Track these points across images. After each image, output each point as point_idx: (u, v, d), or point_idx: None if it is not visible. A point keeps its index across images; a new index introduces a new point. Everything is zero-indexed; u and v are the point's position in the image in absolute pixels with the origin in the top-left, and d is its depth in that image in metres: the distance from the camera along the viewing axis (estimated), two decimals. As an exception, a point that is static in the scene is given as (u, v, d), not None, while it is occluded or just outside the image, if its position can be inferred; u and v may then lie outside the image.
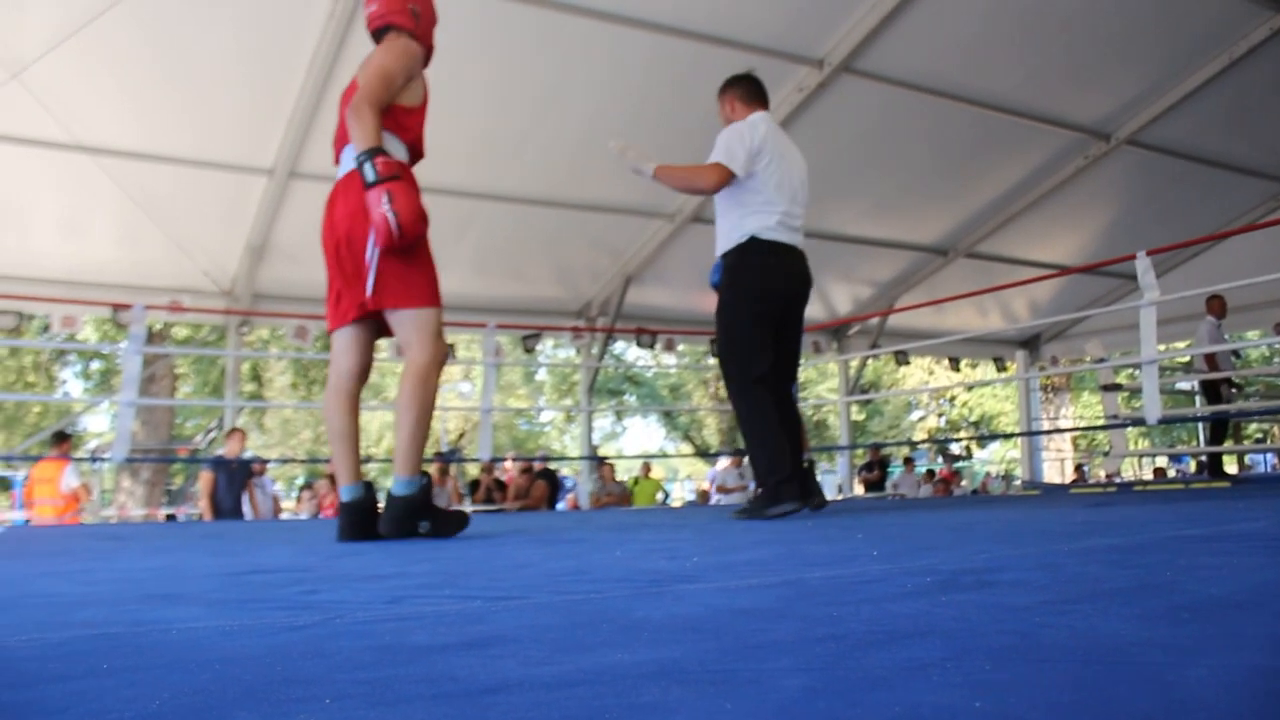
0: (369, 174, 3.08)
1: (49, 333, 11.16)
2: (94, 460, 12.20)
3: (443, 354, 3.21)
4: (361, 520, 3.18)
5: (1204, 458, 12.47)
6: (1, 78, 6.80)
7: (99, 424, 25.52)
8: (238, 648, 1.04)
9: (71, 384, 23.44)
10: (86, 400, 21.37)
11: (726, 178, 4.25)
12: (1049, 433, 18.13)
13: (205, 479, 9.13)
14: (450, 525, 3.20)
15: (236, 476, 9.23)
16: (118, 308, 8.40)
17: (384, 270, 3.14)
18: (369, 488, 3.26)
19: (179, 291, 9.05)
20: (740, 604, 1.30)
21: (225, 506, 9.04)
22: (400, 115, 3.36)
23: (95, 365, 22.46)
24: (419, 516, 3.13)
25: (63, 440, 9.45)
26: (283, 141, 7.82)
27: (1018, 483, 16.46)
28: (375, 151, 3.12)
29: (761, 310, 4.23)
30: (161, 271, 8.92)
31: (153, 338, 14.52)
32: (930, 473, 16.54)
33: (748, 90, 4.63)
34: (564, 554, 2.36)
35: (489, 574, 1.90)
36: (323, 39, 6.92)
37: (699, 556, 2.14)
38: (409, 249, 3.15)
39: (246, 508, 9.63)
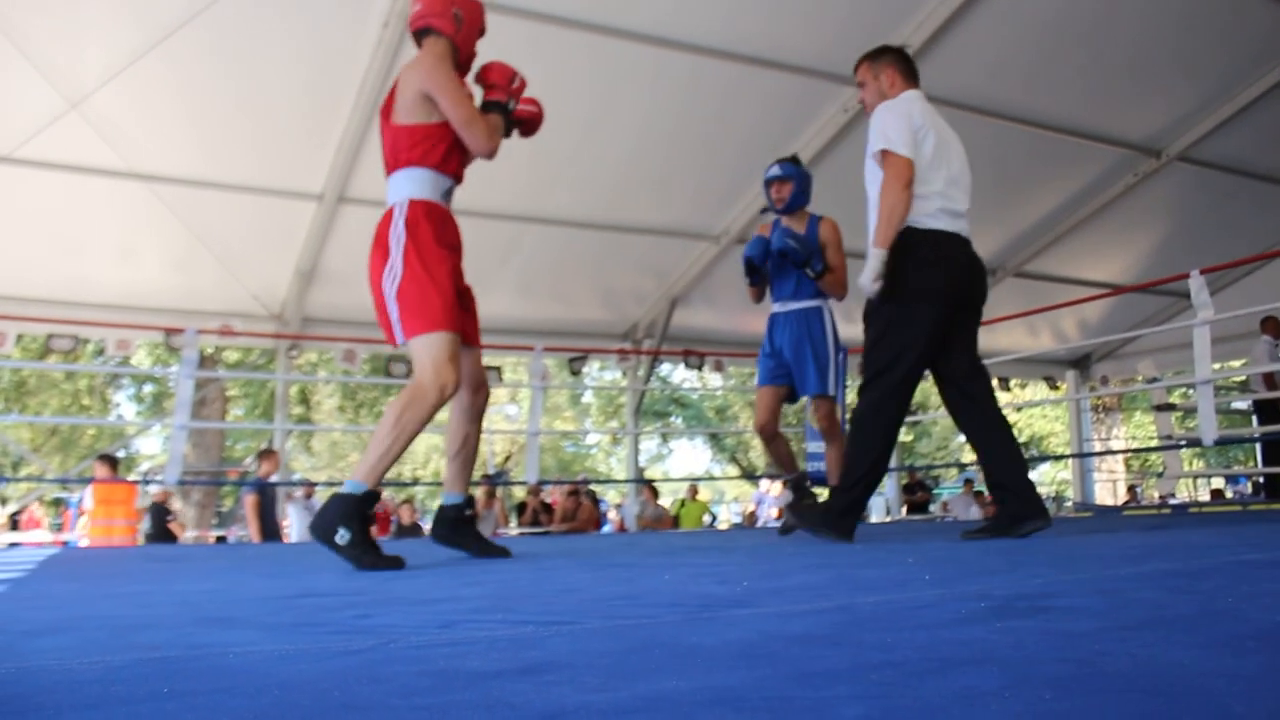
0: None
1: (103, 356, 11.36)
2: (147, 483, 12.36)
3: (447, 382, 3.05)
4: (458, 527, 3.36)
5: (1261, 479, 12.23)
6: (61, 108, 6.96)
7: (151, 446, 25.89)
8: (294, 672, 1.05)
9: (125, 407, 23.82)
10: (139, 423, 21.68)
11: (911, 171, 3.79)
12: (1101, 454, 17.87)
13: (251, 501, 9.22)
14: (367, 556, 2.90)
15: (277, 497, 9.34)
16: (170, 332, 8.54)
17: (399, 304, 3.15)
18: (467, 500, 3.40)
19: (230, 316, 9.16)
20: (793, 630, 1.30)
21: (269, 529, 9.14)
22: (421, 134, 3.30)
23: (148, 389, 22.81)
24: (340, 524, 2.87)
25: (112, 464, 9.59)
26: (332, 167, 7.92)
27: (1069, 504, 16.22)
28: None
29: (925, 310, 3.83)
30: (212, 296, 9.05)
31: (204, 361, 14.72)
32: (980, 493, 16.35)
33: (906, 65, 4.14)
34: (613, 578, 2.35)
35: (540, 598, 1.90)
36: (371, 65, 7.01)
37: (749, 581, 2.13)
38: (425, 274, 3.14)
39: (294, 527, 9.73)
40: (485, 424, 3.46)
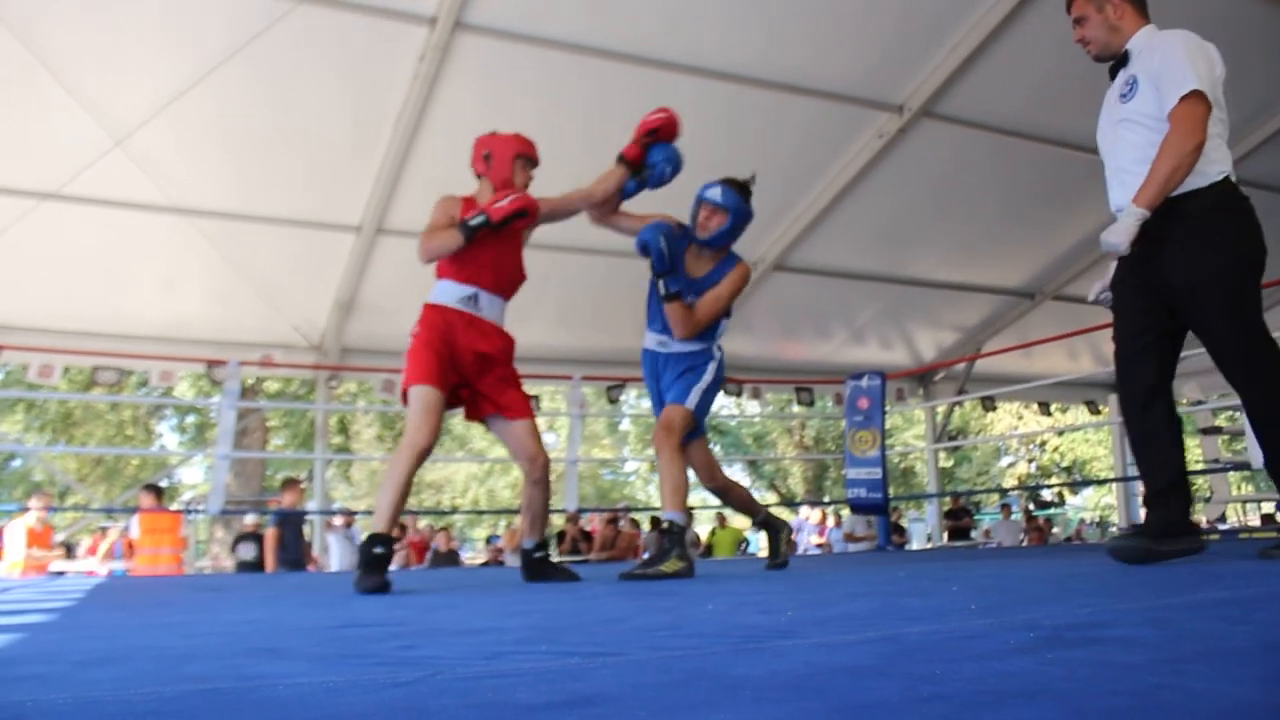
0: None
1: (147, 388, 11.50)
2: (189, 512, 12.49)
3: (415, 438, 3.54)
4: (530, 565, 3.93)
5: (1312, 503, 12.00)
6: (105, 145, 7.09)
7: (193, 476, 26.15)
8: (344, 705, 1.05)
9: (167, 437, 24.08)
10: (182, 453, 21.92)
11: (1205, 113, 3.11)
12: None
13: (271, 534, 9.26)
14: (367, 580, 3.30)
15: (300, 528, 9.38)
16: (212, 363, 8.64)
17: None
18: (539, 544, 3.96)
19: (270, 347, 9.26)
20: (840, 661, 1.28)
21: (291, 558, 9.16)
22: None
23: (190, 419, 23.06)
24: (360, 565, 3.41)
25: (158, 493, 9.69)
26: (369, 199, 8.00)
27: (1114, 530, 16.00)
28: None
29: (1260, 271, 3.20)
30: (253, 327, 9.15)
31: (245, 392, 14.88)
32: (1031, 519, 16.19)
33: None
34: (656, 607, 2.35)
35: (583, 629, 1.90)
36: (408, 99, 7.09)
37: (793, 611, 2.12)
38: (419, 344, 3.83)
39: (334, 556, 9.78)
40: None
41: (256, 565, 9.38)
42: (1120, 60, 3.39)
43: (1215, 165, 3.16)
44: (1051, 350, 11.87)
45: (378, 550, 3.38)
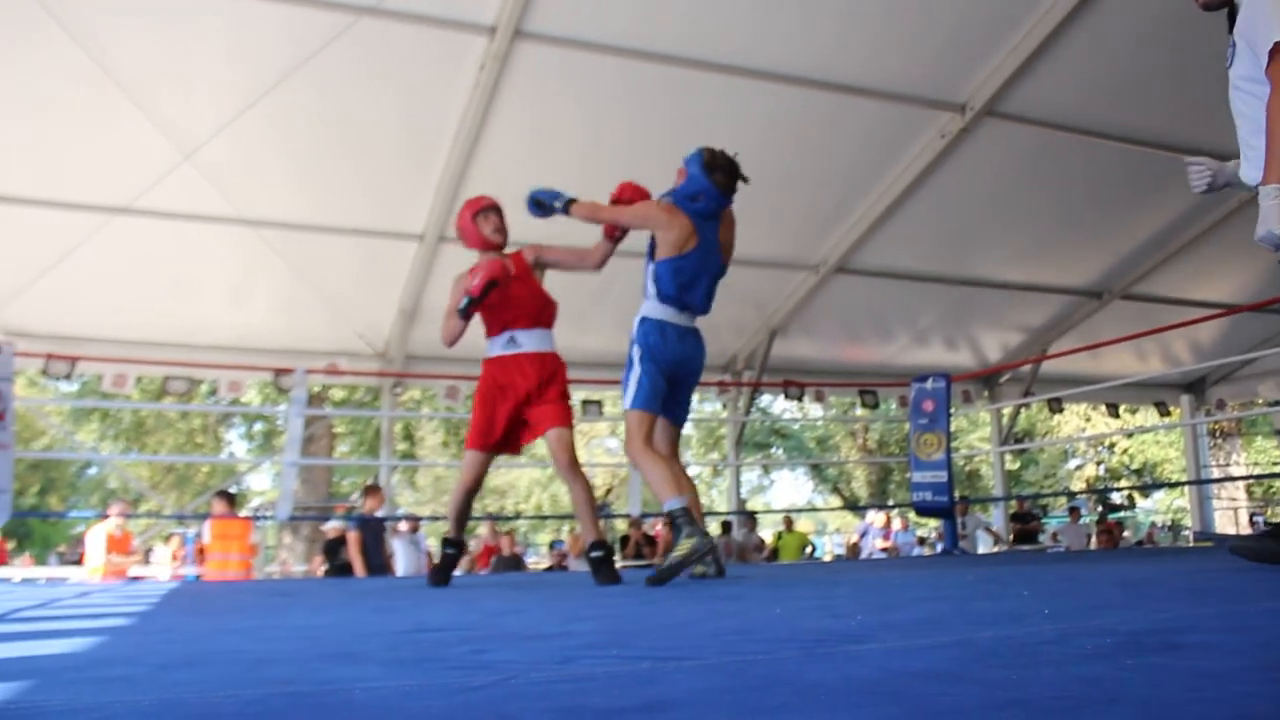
0: None
1: (216, 396, 11.72)
2: (259, 518, 12.70)
3: (464, 479, 4.43)
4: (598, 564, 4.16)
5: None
6: (174, 159, 7.24)
7: (261, 483, 26.58)
8: (421, 708, 1.06)
9: (236, 444, 24.51)
10: (251, 460, 22.28)
11: None
12: (1219, 481, 17.24)
13: (354, 538, 9.36)
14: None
15: (381, 533, 9.46)
16: (279, 372, 8.78)
17: None
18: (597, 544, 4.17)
19: (335, 355, 9.39)
20: (914, 666, 1.28)
21: (374, 563, 9.25)
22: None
23: (258, 427, 23.44)
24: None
25: (230, 499, 9.86)
26: (432, 207, 8.08)
27: (1187, 534, 15.67)
28: None
29: None
30: (319, 336, 9.28)
31: (311, 399, 15.09)
32: (1101, 522, 15.91)
33: None
34: (723, 612, 2.34)
35: (652, 633, 1.90)
36: (468, 108, 7.15)
37: (862, 615, 2.10)
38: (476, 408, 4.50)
39: (400, 562, 9.87)
40: (586, 456, 4.04)
41: (345, 570, 9.52)
42: (1230, 15, 3.11)
43: None
44: (1120, 351, 11.66)
45: (448, 551, 4.45)
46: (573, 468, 4.22)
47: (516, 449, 4.52)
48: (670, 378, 4.29)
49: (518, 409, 4.31)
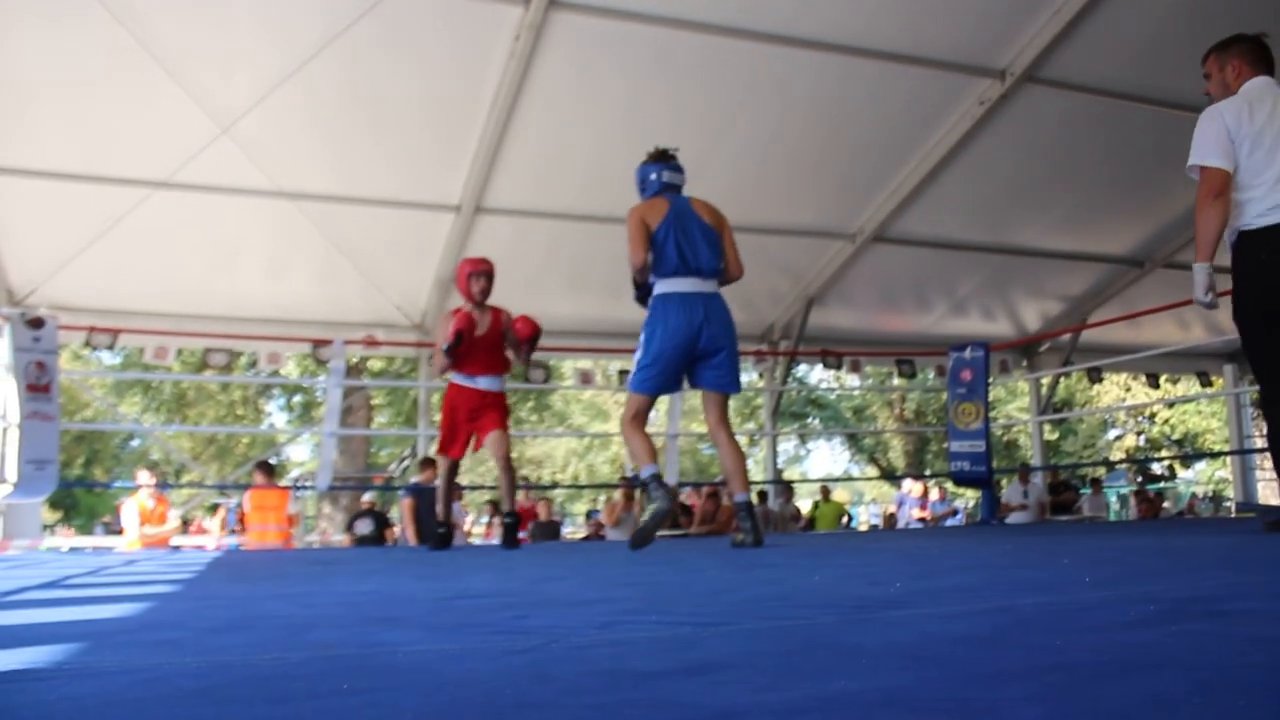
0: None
1: (255, 368, 11.85)
2: (299, 489, 12.84)
3: (443, 464, 5.94)
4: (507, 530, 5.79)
5: None
6: (212, 133, 7.28)
7: (300, 454, 26.85)
8: (464, 671, 1.07)
9: (275, 416, 24.76)
10: (290, 431, 22.52)
11: (1221, 181, 3.64)
12: (1262, 451, 17.00)
13: (408, 505, 9.44)
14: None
15: (434, 503, 9.52)
16: (318, 344, 8.84)
17: None
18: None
19: (373, 326, 9.44)
20: (956, 631, 1.27)
21: (427, 531, 9.33)
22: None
23: (297, 398, 23.67)
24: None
25: (269, 470, 9.96)
26: (468, 178, 8.09)
27: (1229, 505, 15.51)
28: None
29: (1261, 312, 3.67)
30: (356, 307, 9.34)
31: (349, 371, 15.20)
32: (1141, 492, 15.77)
33: (1253, 53, 3.84)
34: (762, 579, 2.34)
35: (691, 599, 1.90)
36: (504, 78, 7.14)
37: (901, 582, 2.10)
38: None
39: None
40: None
41: (375, 540, 9.61)
42: None
43: None
44: (1161, 320, 11.49)
45: (440, 530, 5.91)
46: (507, 459, 5.60)
47: (474, 449, 5.85)
48: (686, 347, 4.35)
49: (468, 422, 5.64)
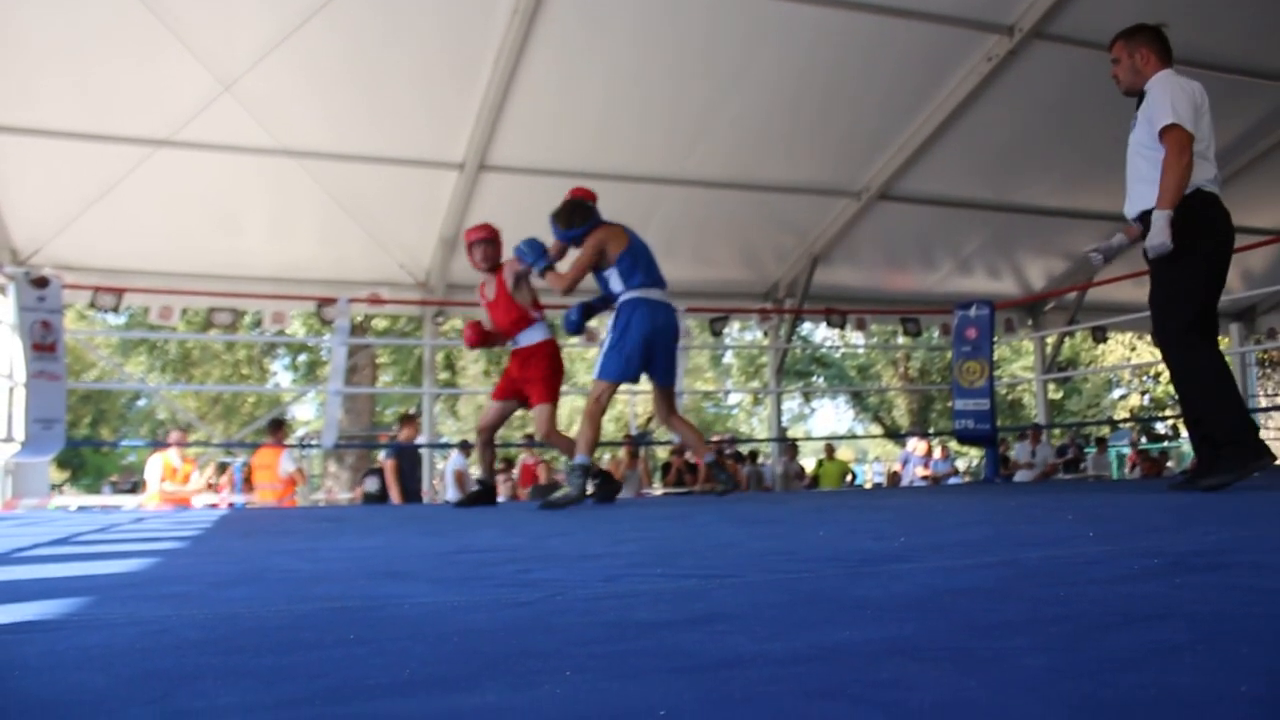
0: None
1: (260, 327, 11.86)
2: (304, 447, 12.90)
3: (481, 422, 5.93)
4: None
5: None
6: (215, 91, 7.24)
7: (306, 412, 26.93)
8: (470, 622, 1.08)
9: (281, 375, 24.80)
10: (295, 390, 22.55)
11: (1185, 140, 3.90)
12: (1267, 410, 17.03)
13: (390, 466, 9.52)
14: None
15: (418, 461, 9.60)
16: (323, 302, 8.83)
17: None
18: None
19: (377, 285, 9.42)
20: (959, 584, 1.27)
21: (409, 489, 9.43)
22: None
23: (302, 357, 23.69)
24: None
25: (278, 429, 10.01)
26: (472, 136, 8.04)
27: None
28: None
29: (1217, 265, 3.98)
30: (360, 266, 9.32)
31: (354, 329, 15.19)
32: (1144, 452, 15.79)
33: (1163, 46, 4.17)
34: (766, 534, 2.35)
35: (696, 553, 1.91)
36: (508, 34, 7.08)
37: (905, 537, 2.11)
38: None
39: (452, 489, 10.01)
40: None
41: (381, 497, 9.68)
42: (1139, 99, 4.19)
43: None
44: (1167, 278, 11.44)
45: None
46: (549, 436, 5.55)
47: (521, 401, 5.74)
48: (649, 345, 5.03)
49: (512, 383, 5.67)
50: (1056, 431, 15.00)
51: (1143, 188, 4.07)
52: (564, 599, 1.24)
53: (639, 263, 5.19)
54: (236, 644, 0.96)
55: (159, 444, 9.34)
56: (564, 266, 5.30)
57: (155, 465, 9.18)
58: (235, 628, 1.08)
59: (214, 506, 9.77)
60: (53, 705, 0.72)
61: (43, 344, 6.65)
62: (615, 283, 5.19)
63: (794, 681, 0.73)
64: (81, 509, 11.06)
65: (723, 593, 1.26)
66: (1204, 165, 3.93)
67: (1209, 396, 3.86)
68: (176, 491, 9.05)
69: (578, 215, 5.32)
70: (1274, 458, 3.76)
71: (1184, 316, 3.91)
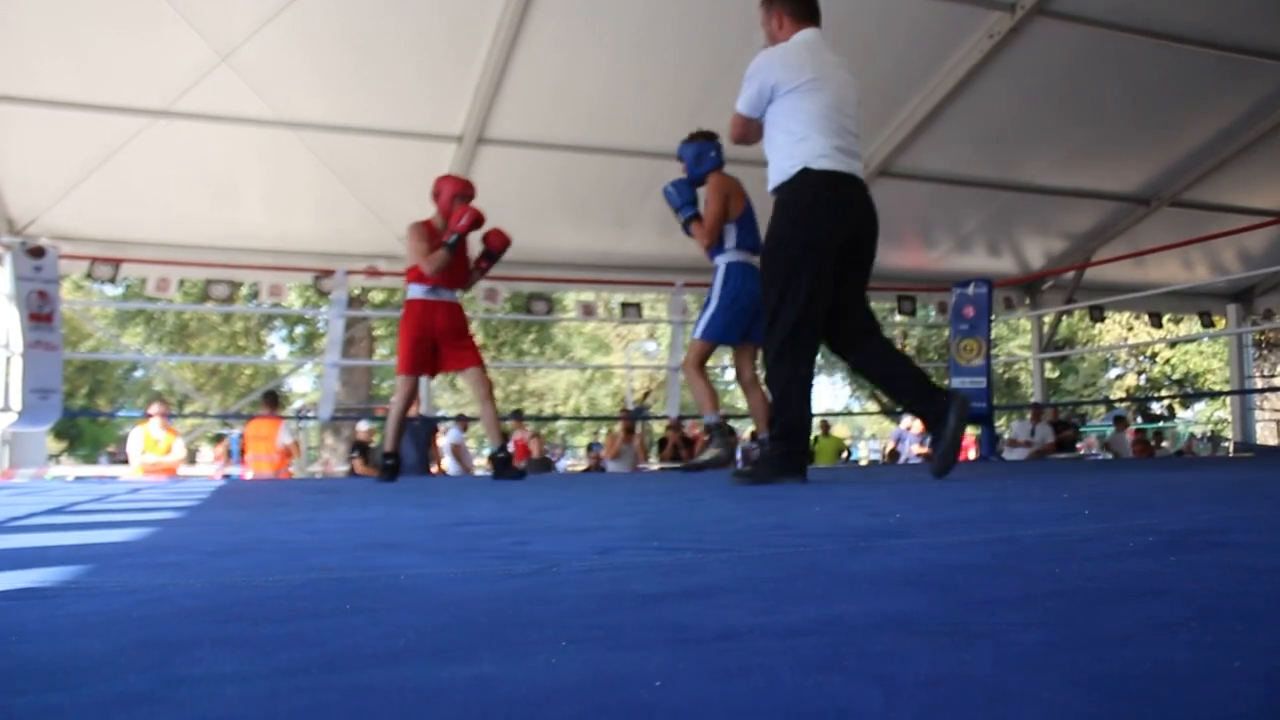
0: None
1: (257, 299, 11.85)
2: (301, 419, 12.91)
3: (402, 399, 5.48)
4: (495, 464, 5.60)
5: None
6: (212, 61, 7.20)
7: (302, 385, 26.95)
8: (466, 593, 1.08)
9: (278, 348, 24.80)
10: (292, 362, 22.56)
11: (743, 125, 4.00)
12: (1263, 391, 17.07)
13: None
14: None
15: (419, 434, 9.55)
16: (320, 274, 8.82)
17: None
18: None
19: (374, 257, 9.41)
20: (955, 560, 1.28)
21: (409, 462, 9.37)
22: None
23: (299, 330, 23.70)
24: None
25: (273, 401, 10.01)
26: (470, 108, 8.01)
27: (1227, 445, 15.57)
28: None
29: (814, 252, 3.75)
30: (359, 238, 9.30)
31: (351, 302, 15.18)
32: (1139, 433, 15.82)
33: (800, 6, 4.01)
34: (763, 509, 2.36)
35: (691, 527, 1.92)
36: (508, 5, 7.05)
37: (901, 513, 2.11)
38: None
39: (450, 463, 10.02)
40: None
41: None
42: None
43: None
44: (1165, 259, 11.46)
45: (388, 462, 5.42)
46: (489, 397, 5.39)
47: (434, 373, 5.61)
48: (746, 310, 5.07)
49: (433, 342, 5.39)
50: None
51: (775, 158, 3.91)
52: (559, 571, 1.24)
53: (750, 225, 5.20)
54: (233, 613, 0.97)
55: (147, 416, 9.32)
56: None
57: (136, 438, 9.19)
58: (232, 597, 1.08)
59: (210, 478, 9.79)
60: (52, 671, 0.72)
61: (39, 314, 6.64)
62: (729, 239, 5.17)
63: (790, 654, 0.73)
64: (79, 479, 11.08)
65: (718, 566, 1.26)
66: (814, 140, 3.78)
67: (779, 396, 3.80)
68: (158, 462, 9.04)
69: (706, 155, 5.26)
70: (804, 480, 3.72)
71: (781, 332, 3.77)
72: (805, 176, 3.75)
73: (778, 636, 0.80)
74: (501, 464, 5.41)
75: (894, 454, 15.57)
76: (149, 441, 9.08)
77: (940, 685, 0.64)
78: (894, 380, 3.92)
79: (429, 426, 9.57)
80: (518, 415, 12.17)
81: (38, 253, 6.74)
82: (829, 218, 3.77)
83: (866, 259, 3.95)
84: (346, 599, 1.04)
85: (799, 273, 3.71)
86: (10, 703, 0.63)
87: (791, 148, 3.79)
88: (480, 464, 15.12)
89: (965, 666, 0.69)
